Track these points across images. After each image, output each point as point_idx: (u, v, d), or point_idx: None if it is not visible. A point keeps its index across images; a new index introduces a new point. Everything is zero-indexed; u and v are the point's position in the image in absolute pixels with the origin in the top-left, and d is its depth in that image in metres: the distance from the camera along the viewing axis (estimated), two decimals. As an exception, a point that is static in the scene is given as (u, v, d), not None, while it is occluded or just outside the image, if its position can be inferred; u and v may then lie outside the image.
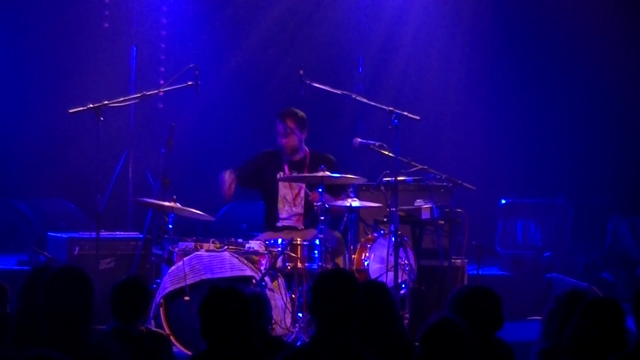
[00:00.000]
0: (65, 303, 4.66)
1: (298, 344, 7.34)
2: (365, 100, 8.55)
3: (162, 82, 10.71)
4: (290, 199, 8.58)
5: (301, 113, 8.57)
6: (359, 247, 8.21)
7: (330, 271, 5.00)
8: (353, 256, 8.14)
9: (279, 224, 8.54)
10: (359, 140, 8.52)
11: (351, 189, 8.31)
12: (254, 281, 7.63)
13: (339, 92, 8.58)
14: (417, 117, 8.31)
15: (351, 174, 8.29)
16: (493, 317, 5.15)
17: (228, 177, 8.40)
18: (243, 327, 4.64)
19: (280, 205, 8.56)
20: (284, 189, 8.56)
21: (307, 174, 8.35)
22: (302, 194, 8.58)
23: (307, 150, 8.66)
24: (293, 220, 8.55)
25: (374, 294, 5.26)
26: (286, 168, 8.58)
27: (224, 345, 4.62)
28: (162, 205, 7.89)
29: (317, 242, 7.87)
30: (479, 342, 5.03)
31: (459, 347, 4.54)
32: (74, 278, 4.76)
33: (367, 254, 8.16)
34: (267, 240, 8.02)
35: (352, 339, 4.55)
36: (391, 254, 7.84)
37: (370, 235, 8.33)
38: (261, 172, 8.62)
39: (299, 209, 8.58)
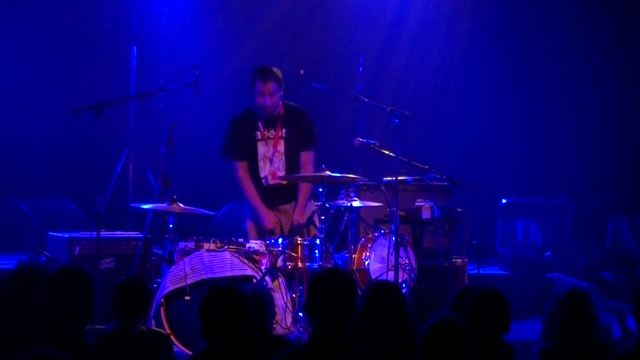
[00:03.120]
0: (66, 303, 4.67)
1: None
2: (365, 100, 8.55)
3: (162, 81, 10.73)
4: (269, 156, 8.51)
5: (279, 71, 8.44)
6: (359, 246, 8.22)
7: (326, 271, 5.00)
8: (354, 256, 8.14)
9: (265, 183, 8.45)
10: (360, 139, 8.51)
11: (352, 189, 8.31)
12: (254, 281, 7.62)
13: (339, 92, 8.58)
14: (418, 117, 8.31)
15: (352, 174, 8.29)
16: (501, 320, 5.13)
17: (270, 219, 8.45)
18: (243, 326, 4.64)
19: (261, 165, 8.49)
20: (262, 148, 8.48)
21: (308, 174, 8.35)
22: (281, 149, 8.50)
23: (281, 105, 8.55)
24: (274, 178, 8.48)
25: (386, 295, 5.25)
26: (260, 126, 8.47)
27: (224, 344, 4.62)
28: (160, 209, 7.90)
29: (318, 241, 7.87)
30: (483, 345, 5.04)
31: (460, 347, 4.54)
32: (75, 278, 4.76)
33: (367, 254, 8.16)
34: (267, 240, 8.02)
35: (349, 338, 4.55)
36: (392, 254, 7.85)
37: (370, 235, 8.33)
38: (239, 137, 8.52)
39: (278, 165, 8.51)
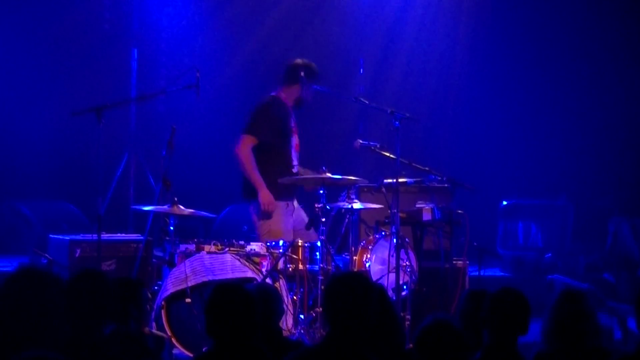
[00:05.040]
0: (86, 304, 4.69)
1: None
2: (366, 102, 8.56)
3: (163, 83, 10.73)
4: (297, 145, 8.63)
5: None
6: (360, 248, 8.22)
7: (345, 274, 4.97)
8: (354, 258, 8.14)
9: (295, 170, 8.53)
10: (360, 141, 8.52)
11: (352, 191, 8.32)
12: (255, 283, 7.62)
13: (339, 93, 8.60)
14: (418, 119, 8.32)
15: (352, 176, 8.29)
16: (522, 321, 5.11)
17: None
18: (249, 325, 4.63)
19: (293, 154, 8.58)
20: (294, 138, 8.60)
21: (309, 175, 8.36)
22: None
23: None
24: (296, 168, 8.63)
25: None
26: (293, 115, 8.64)
27: (230, 343, 4.61)
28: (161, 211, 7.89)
29: (319, 243, 7.87)
30: (498, 345, 5.03)
31: (454, 348, 4.54)
32: (94, 280, 4.79)
33: (368, 256, 8.16)
34: (268, 242, 8.02)
35: (362, 343, 4.52)
36: (392, 256, 7.85)
37: (371, 237, 8.34)
38: (276, 119, 8.55)
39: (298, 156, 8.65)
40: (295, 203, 8.63)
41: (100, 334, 4.76)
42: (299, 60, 8.61)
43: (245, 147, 8.41)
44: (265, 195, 8.33)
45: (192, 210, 7.90)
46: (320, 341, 4.69)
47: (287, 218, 8.49)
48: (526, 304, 5.14)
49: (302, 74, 8.50)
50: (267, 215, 8.38)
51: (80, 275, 4.88)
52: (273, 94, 8.62)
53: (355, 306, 4.50)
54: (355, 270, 8.07)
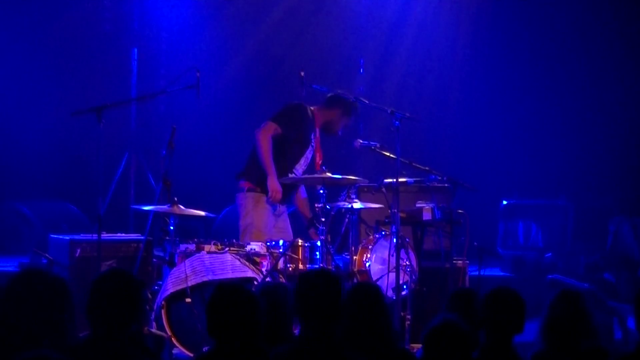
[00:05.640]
0: (114, 305, 4.71)
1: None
2: (366, 102, 8.56)
3: (163, 83, 10.73)
4: (309, 159, 8.65)
5: None
6: (360, 248, 8.21)
7: (312, 272, 5.01)
8: (355, 257, 8.14)
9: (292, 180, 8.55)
10: (360, 141, 8.53)
11: (352, 190, 8.32)
12: (255, 283, 7.63)
13: (340, 93, 8.61)
14: (418, 119, 8.32)
15: (353, 175, 8.29)
16: (516, 320, 5.11)
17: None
18: (250, 325, 4.64)
19: (301, 162, 8.63)
20: (309, 152, 8.65)
21: (309, 176, 8.37)
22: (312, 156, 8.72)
23: None
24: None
25: (364, 296, 5.22)
26: (317, 131, 8.74)
27: (231, 343, 4.62)
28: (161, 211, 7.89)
29: (319, 243, 7.88)
30: (494, 345, 5.03)
31: (461, 348, 4.55)
32: (122, 281, 4.80)
33: (368, 255, 8.16)
34: (268, 242, 8.03)
35: (338, 339, 4.54)
36: (392, 255, 7.85)
37: (371, 237, 8.33)
38: (300, 127, 8.63)
39: (305, 169, 8.67)
40: (284, 208, 8.65)
41: (123, 335, 4.75)
42: (341, 92, 8.70)
43: (267, 133, 8.48)
44: (273, 183, 8.36)
45: (192, 210, 7.90)
46: (296, 340, 4.72)
47: (270, 219, 8.53)
48: (521, 302, 5.15)
49: (336, 101, 8.63)
50: (271, 203, 8.45)
51: (105, 275, 4.88)
52: (310, 106, 8.67)
53: (322, 302, 4.56)
54: (356, 269, 8.08)
